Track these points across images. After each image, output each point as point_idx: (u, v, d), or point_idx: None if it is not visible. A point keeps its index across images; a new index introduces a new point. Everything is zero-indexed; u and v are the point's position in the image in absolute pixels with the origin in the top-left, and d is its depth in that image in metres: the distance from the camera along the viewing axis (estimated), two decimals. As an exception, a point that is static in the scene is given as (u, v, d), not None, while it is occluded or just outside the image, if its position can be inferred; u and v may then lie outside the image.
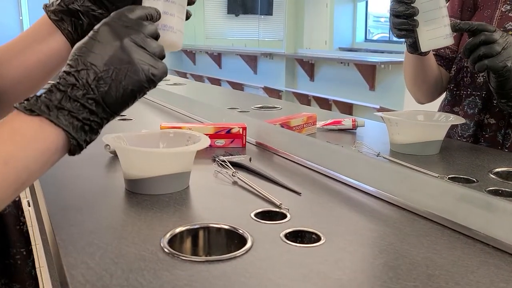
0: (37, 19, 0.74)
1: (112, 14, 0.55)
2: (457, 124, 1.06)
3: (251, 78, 5.41)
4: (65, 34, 0.70)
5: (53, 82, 0.51)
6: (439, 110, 1.13)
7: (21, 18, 6.37)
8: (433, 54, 1.11)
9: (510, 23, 0.98)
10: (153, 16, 0.56)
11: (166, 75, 0.54)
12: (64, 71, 0.51)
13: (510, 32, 0.97)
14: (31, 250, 0.71)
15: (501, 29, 0.98)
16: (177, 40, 0.62)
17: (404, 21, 0.88)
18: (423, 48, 0.91)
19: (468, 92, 1.04)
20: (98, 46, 0.51)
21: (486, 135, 1.02)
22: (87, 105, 0.49)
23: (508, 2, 0.98)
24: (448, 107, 1.11)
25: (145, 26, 0.53)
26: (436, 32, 0.89)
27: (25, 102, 0.48)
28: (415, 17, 0.88)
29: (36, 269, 0.71)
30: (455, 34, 0.97)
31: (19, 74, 0.71)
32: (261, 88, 5.09)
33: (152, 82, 0.52)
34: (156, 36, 0.55)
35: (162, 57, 0.54)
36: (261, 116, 1.46)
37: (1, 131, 0.47)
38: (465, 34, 1.04)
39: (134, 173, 0.72)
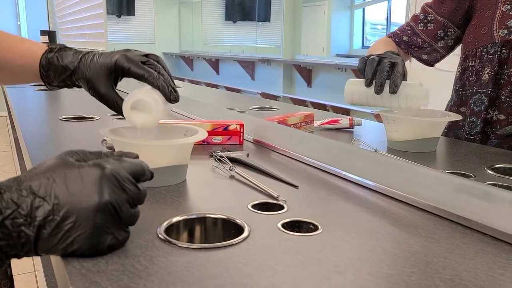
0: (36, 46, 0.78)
1: (117, 155, 0.50)
2: (464, 122, 1.06)
3: (249, 83, 5.42)
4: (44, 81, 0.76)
5: (5, 182, 0.42)
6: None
7: (19, 23, 6.39)
8: (398, 40, 1.20)
9: (510, 20, 0.99)
10: (147, 178, 0.51)
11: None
12: (22, 178, 0.43)
13: None
14: None
15: (503, 27, 0.99)
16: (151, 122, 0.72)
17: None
18: None
19: (474, 90, 1.04)
20: (76, 184, 0.44)
21: (496, 131, 1.02)
22: (14, 236, 0.40)
23: (508, 2, 1.00)
24: (455, 107, 1.11)
25: (134, 192, 0.48)
26: None
27: None
28: None
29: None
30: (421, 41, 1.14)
31: None
32: (259, 94, 5.10)
33: (102, 253, 0.47)
34: (139, 202, 0.50)
35: (131, 225, 0.50)
36: (259, 116, 1.46)
37: None
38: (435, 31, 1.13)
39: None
